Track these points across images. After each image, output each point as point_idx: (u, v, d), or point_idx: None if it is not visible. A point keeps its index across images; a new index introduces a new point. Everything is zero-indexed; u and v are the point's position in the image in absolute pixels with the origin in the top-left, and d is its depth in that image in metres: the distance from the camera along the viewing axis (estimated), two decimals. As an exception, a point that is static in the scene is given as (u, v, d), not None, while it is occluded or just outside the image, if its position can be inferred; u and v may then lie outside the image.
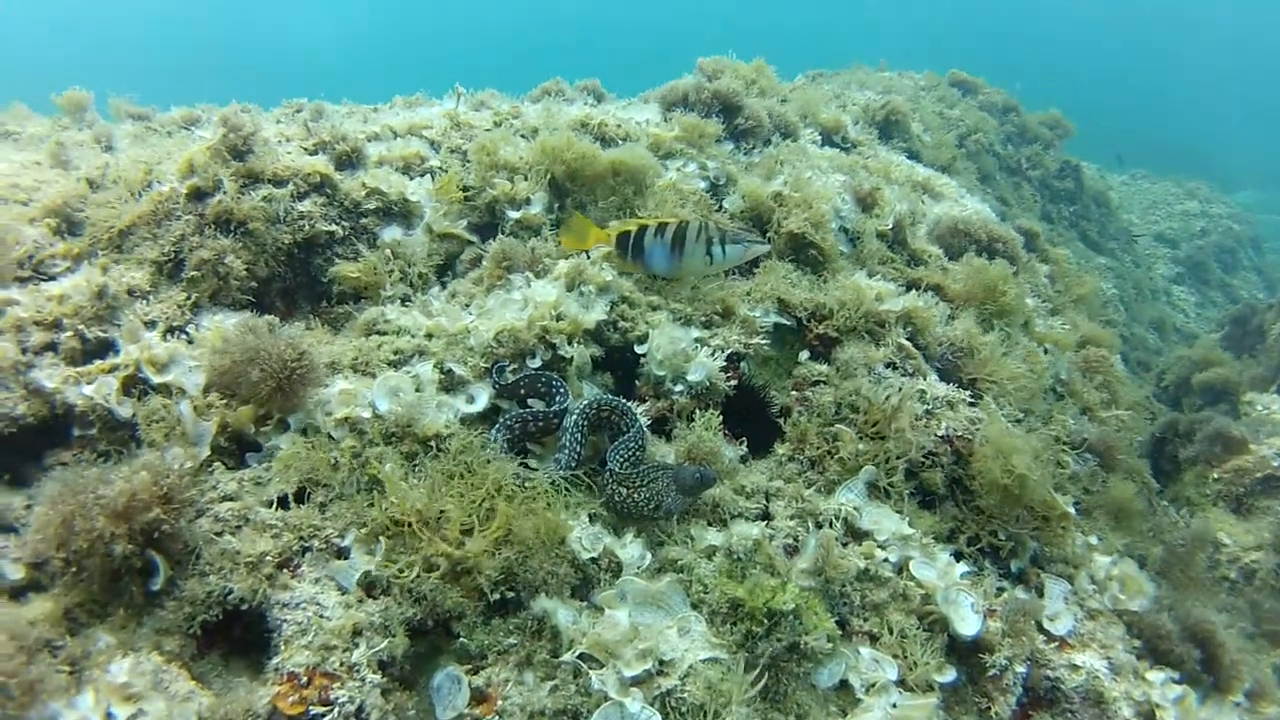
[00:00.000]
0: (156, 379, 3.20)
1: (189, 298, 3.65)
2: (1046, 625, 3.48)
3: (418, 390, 3.40)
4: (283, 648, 2.56)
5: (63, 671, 2.39)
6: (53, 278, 3.56)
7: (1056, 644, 3.45)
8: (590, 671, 2.65)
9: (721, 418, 3.61)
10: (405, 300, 4.03)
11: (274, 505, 2.92)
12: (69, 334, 3.31)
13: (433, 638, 2.80)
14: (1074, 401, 5.42)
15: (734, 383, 3.77)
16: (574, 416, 3.31)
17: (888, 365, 4.00)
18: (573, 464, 3.24)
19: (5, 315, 3.27)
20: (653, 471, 3.17)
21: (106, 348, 3.36)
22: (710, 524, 3.30)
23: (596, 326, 3.76)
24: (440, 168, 4.69)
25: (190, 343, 3.42)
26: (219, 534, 2.78)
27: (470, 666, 2.72)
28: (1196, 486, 6.31)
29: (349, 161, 4.46)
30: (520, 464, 3.14)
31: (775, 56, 7.47)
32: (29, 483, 2.95)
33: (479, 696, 2.65)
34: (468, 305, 3.94)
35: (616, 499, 3.15)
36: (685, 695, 2.64)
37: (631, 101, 6.62)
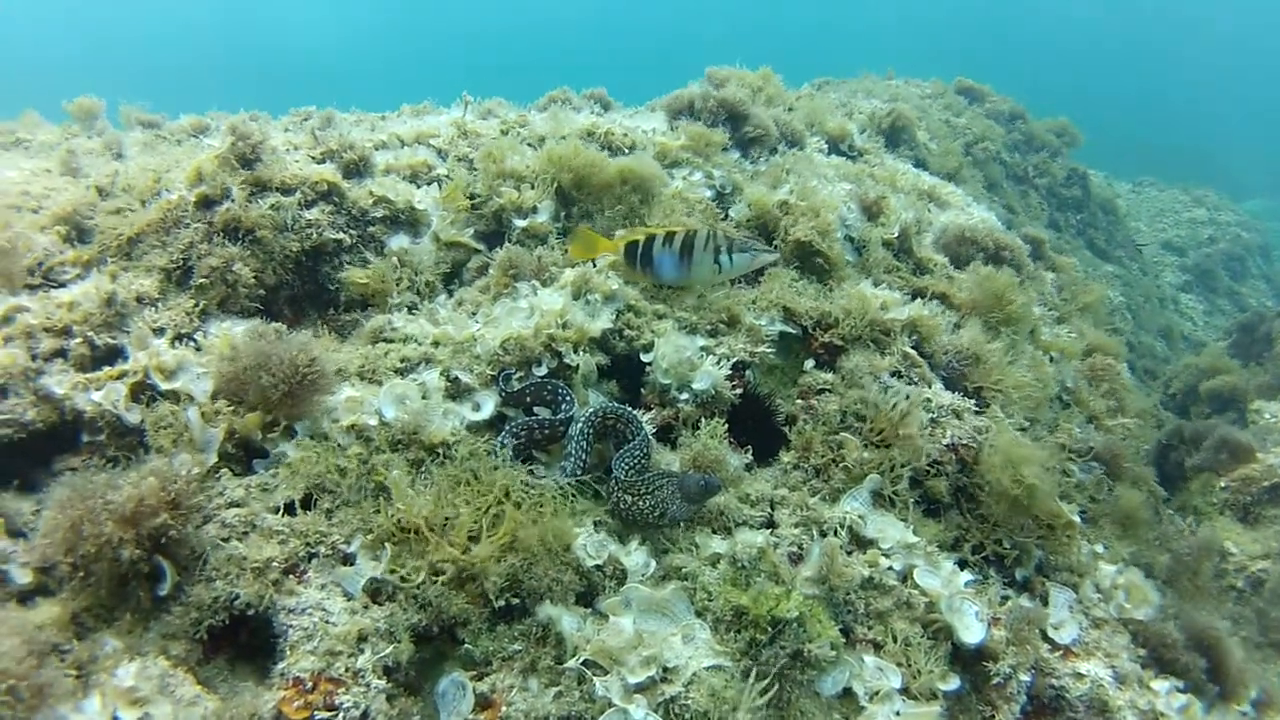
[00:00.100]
0: (164, 385, 3.22)
1: (197, 305, 3.67)
2: (1051, 634, 3.46)
3: (424, 398, 3.41)
4: (288, 653, 2.58)
5: (70, 675, 2.41)
6: (62, 285, 3.59)
7: (1061, 652, 3.44)
8: (594, 678, 2.65)
9: (726, 426, 3.62)
10: (412, 308, 4.06)
11: (281, 511, 2.93)
12: (78, 340, 3.33)
13: (438, 644, 2.81)
14: (1080, 410, 5.39)
15: (739, 391, 3.78)
16: (579, 424, 3.31)
17: (893, 374, 3.99)
18: (578, 471, 3.24)
19: (15, 322, 3.30)
20: (658, 479, 3.17)
21: (115, 354, 3.39)
22: (715, 532, 3.30)
23: (602, 335, 3.77)
24: (447, 176, 4.71)
25: (198, 350, 3.44)
26: (226, 539, 2.80)
27: (475, 672, 2.73)
28: (1203, 495, 6.29)
29: (356, 170, 4.48)
30: (526, 471, 3.16)
31: (777, 56, 7.51)
32: (38, 488, 2.98)
33: (483, 702, 2.66)
34: (474, 313, 3.96)
35: (621, 506, 3.15)
36: (689, 702, 2.64)
37: (638, 110, 6.64)
